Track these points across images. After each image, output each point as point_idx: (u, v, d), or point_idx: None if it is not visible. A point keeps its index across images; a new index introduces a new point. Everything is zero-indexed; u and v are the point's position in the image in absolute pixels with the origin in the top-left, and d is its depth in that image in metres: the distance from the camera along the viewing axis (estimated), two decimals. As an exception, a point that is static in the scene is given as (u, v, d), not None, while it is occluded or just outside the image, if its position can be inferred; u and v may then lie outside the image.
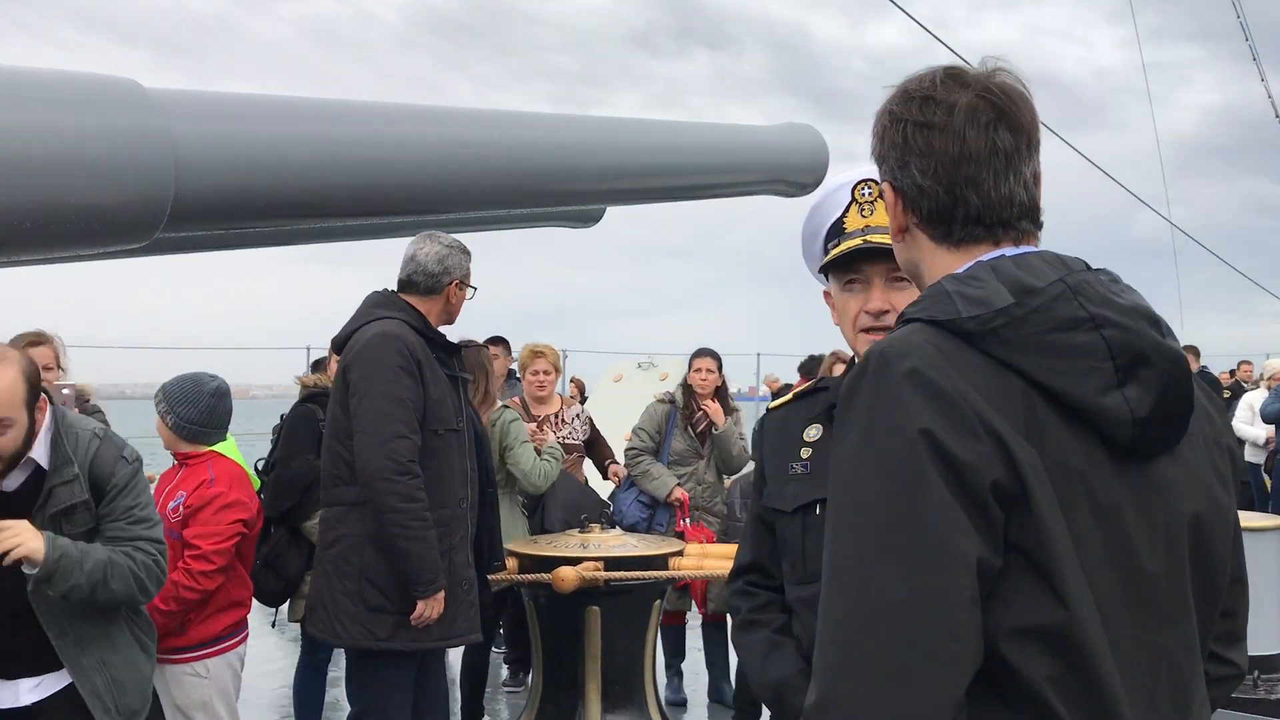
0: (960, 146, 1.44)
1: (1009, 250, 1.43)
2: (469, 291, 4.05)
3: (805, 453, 2.20)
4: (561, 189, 5.09)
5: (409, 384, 3.65)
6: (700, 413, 6.03)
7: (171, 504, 3.71)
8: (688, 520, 5.82)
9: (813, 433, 2.22)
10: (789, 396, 2.37)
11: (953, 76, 1.48)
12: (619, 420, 8.18)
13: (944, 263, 1.47)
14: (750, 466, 6.25)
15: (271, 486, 4.53)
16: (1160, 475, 1.33)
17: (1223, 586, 1.44)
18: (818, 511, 2.12)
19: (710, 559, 4.54)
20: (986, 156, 1.44)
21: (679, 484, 5.89)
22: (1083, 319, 1.31)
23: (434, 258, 3.93)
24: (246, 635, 3.94)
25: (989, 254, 1.43)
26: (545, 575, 4.11)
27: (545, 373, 5.98)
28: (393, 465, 3.54)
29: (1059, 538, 1.23)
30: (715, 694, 6.24)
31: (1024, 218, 1.47)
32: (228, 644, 3.79)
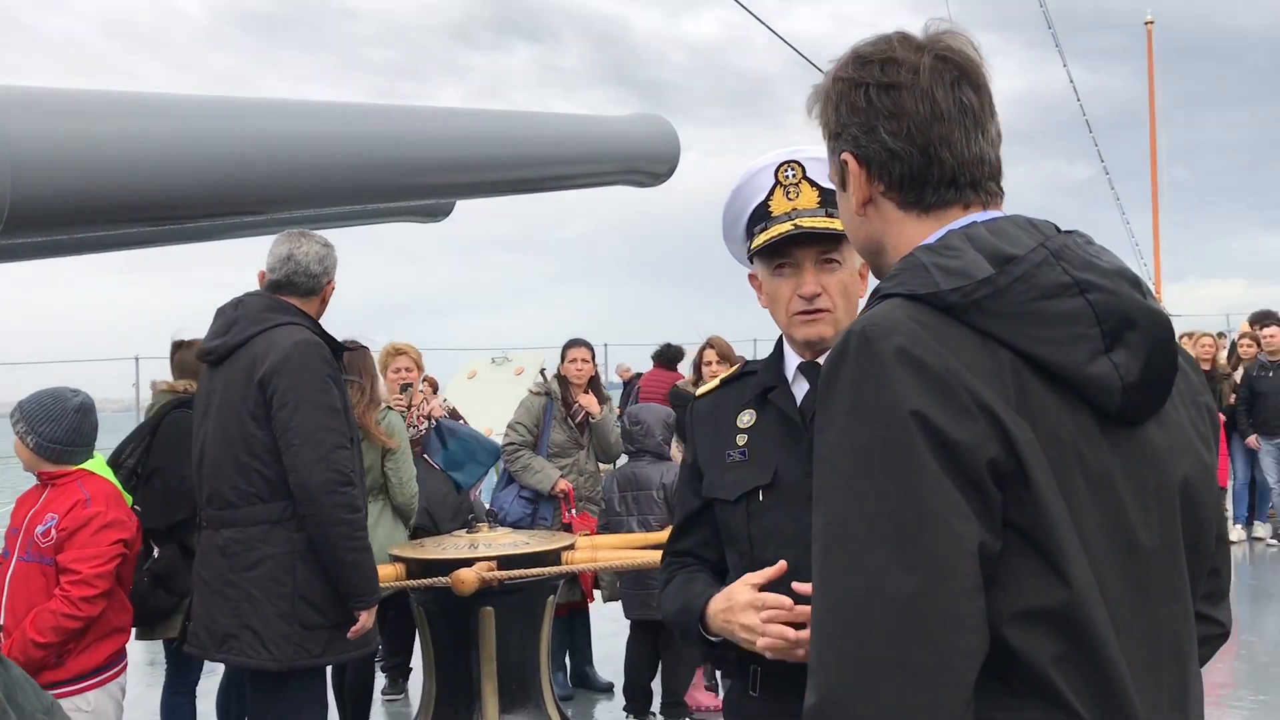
0: (930, 105, 1.39)
1: (979, 216, 1.39)
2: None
3: (741, 439, 2.17)
4: (417, 182, 4.96)
5: (337, 394, 3.55)
6: (576, 403, 6.01)
7: (41, 527, 3.45)
8: (573, 511, 5.79)
9: (746, 419, 2.19)
10: (716, 382, 2.33)
11: (905, 39, 1.44)
12: (478, 417, 8.07)
13: (913, 232, 1.42)
14: (624, 457, 6.27)
15: (161, 497, 4.27)
16: (1149, 442, 1.31)
17: (1210, 548, 1.43)
18: (761, 498, 2.10)
19: (603, 551, 4.50)
20: (956, 115, 1.40)
21: (561, 475, 5.85)
22: (1067, 284, 1.27)
23: (314, 257, 3.78)
24: (126, 664, 3.70)
25: (960, 220, 1.39)
26: (443, 579, 3.99)
27: (408, 370, 5.84)
28: (337, 477, 3.43)
29: (1058, 514, 1.20)
30: (580, 680, 6.26)
31: (992, 179, 1.44)
32: (108, 674, 3.56)
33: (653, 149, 6.12)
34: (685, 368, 9.98)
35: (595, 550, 4.49)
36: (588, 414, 5.99)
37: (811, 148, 2.16)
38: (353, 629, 3.53)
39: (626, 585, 5.52)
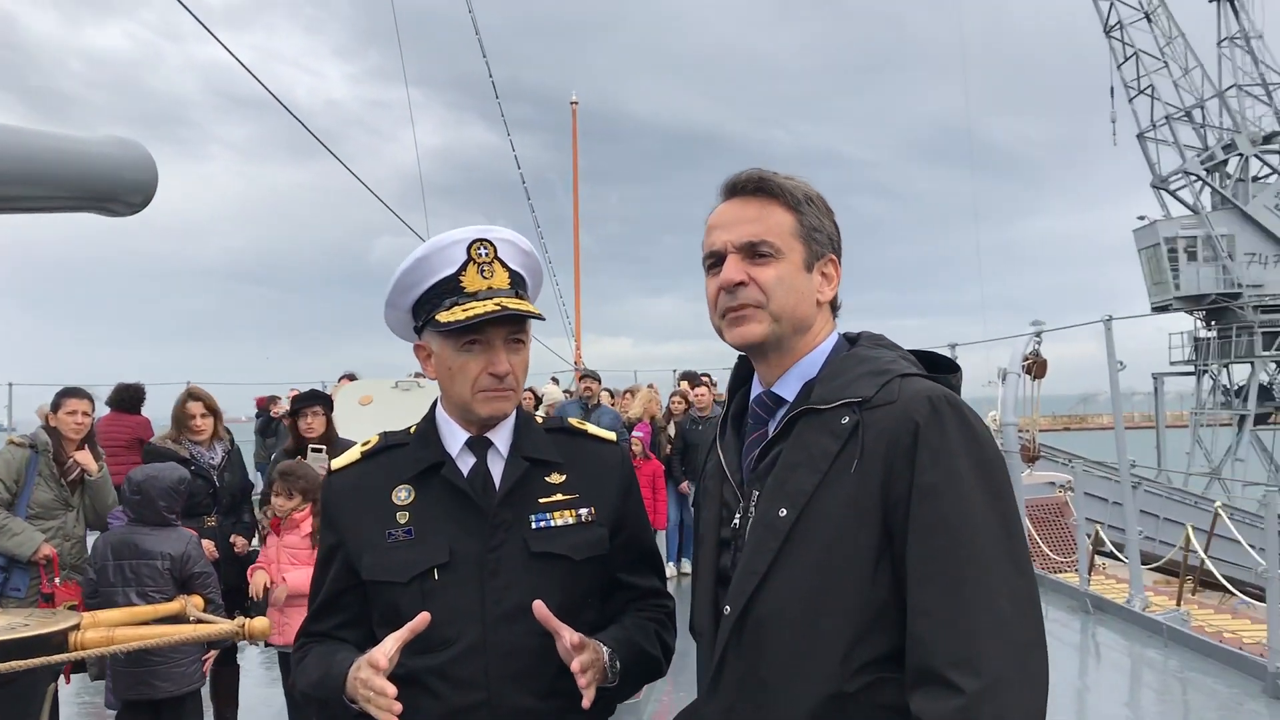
0: None
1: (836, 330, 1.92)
2: None
3: (403, 517, 2.13)
4: None
5: None
6: (71, 459, 5.25)
7: None
8: (56, 580, 5.02)
9: (404, 495, 2.15)
10: (356, 456, 2.25)
11: None
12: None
13: (827, 330, 1.88)
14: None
15: None
16: None
17: None
18: (436, 577, 2.07)
19: (118, 630, 3.97)
20: None
21: (45, 539, 5.08)
22: None
23: None
24: None
25: (836, 330, 1.90)
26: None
27: None
28: None
29: None
30: None
31: None
32: None
33: (127, 176, 5.61)
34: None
35: (109, 630, 3.96)
36: (83, 471, 5.28)
37: (499, 229, 2.17)
38: None
39: (119, 663, 4.89)
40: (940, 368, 1.81)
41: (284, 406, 15.19)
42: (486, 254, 2.13)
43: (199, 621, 4.43)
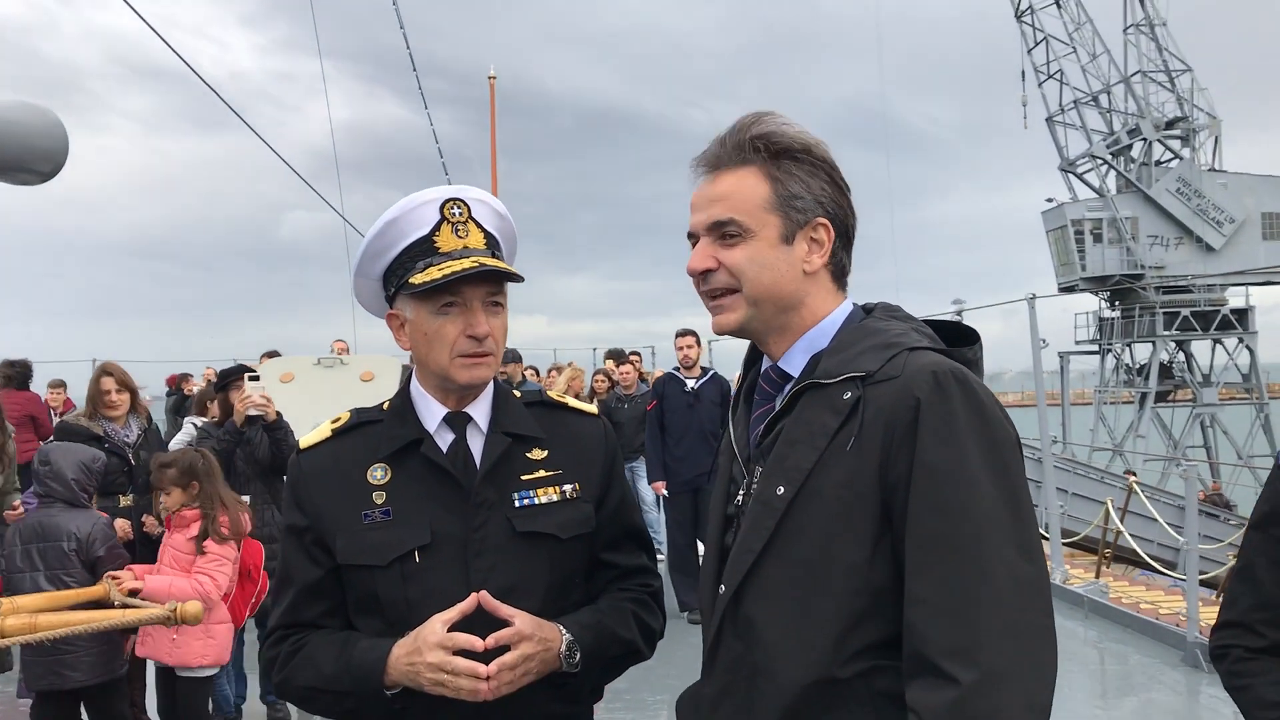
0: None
1: (850, 300, 1.81)
2: None
3: (379, 497, 2.03)
4: None
5: None
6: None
7: None
8: (-31, 565, 4.76)
9: (379, 474, 2.05)
10: (326, 434, 2.13)
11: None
12: None
13: (830, 303, 1.76)
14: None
15: None
16: None
17: None
18: (417, 559, 1.98)
19: (43, 617, 3.76)
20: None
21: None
22: None
23: None
24: None
25: (848, 301, 1.79)
26: None
27: None
28: None
29: None
30: None
31: None
32: None
33: (37, 143, 5.37)
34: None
35: (31, 616, 3.74)
36: (-2, 450, 5.02)
37: (472, 189, 2.07)
38: None
39: (29, 651, 4.66)
40: (960, 339, 1.72)
41: (197, 385, 14.85)
42: (460, 214, 2.03)
43: (125, 606, 4.22)
